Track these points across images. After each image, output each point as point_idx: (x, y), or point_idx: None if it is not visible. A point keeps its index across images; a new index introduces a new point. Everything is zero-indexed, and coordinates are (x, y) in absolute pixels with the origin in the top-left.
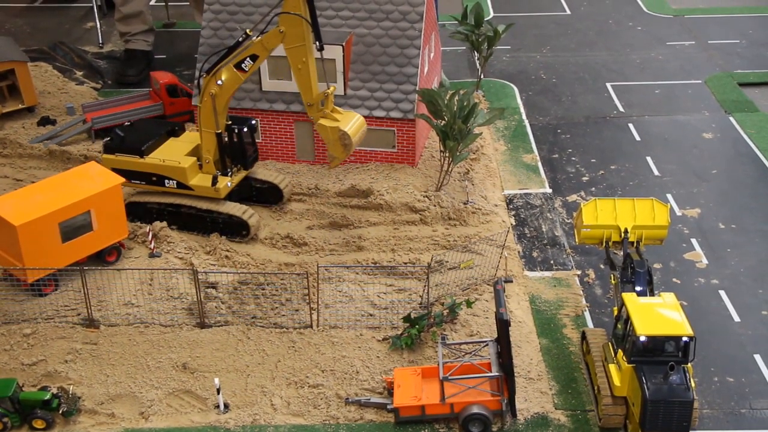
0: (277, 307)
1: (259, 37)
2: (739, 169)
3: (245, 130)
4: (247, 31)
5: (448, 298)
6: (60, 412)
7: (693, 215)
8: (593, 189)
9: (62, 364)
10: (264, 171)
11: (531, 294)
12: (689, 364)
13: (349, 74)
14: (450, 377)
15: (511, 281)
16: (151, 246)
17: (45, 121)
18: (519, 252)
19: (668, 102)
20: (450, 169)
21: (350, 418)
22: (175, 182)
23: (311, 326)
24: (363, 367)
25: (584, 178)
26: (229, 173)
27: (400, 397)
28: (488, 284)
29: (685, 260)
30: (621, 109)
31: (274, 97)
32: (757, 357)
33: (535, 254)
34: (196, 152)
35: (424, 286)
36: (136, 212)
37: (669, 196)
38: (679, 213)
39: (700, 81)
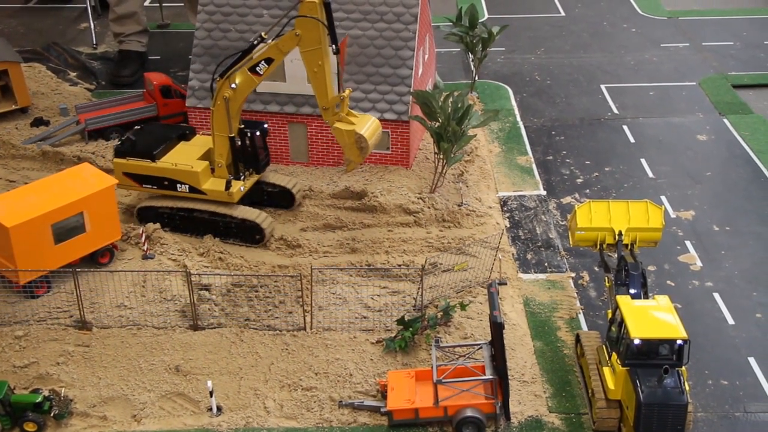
0: (270, 310)
1: (275, 41)
2: (733, 171)
3: (258, 134)
4: (262, 34)
5: (442, 301)
6: (51, 414)
7: (687, 217)
8: (587, 191)
9: (54, 367)
10: (275, 175)
11: (525, 296)
12: (683, 368)
13: (343, 76)
14: (444, 380)
15: (506, 283)
16: (145, 248)
17: (38, 122)
18: (513, 254)
19: (662, 104)
20: (444, 170)
21: (344, 421)
22: (187, 186)
23: (305, 329)
24: (356, 370)
25: (579, 180)
26: (242, 177)
27: (393, 400)
28: (482, 287)
29: (679, 262)
30: (615, 110)
31: (268, 99)
32: (752, 360)
33: (529, 256)
34: (207, 156)
35: (418, 288)
36: (148, 217)
37: (663, 198)
38: (673, 215)
39: (694, 83)
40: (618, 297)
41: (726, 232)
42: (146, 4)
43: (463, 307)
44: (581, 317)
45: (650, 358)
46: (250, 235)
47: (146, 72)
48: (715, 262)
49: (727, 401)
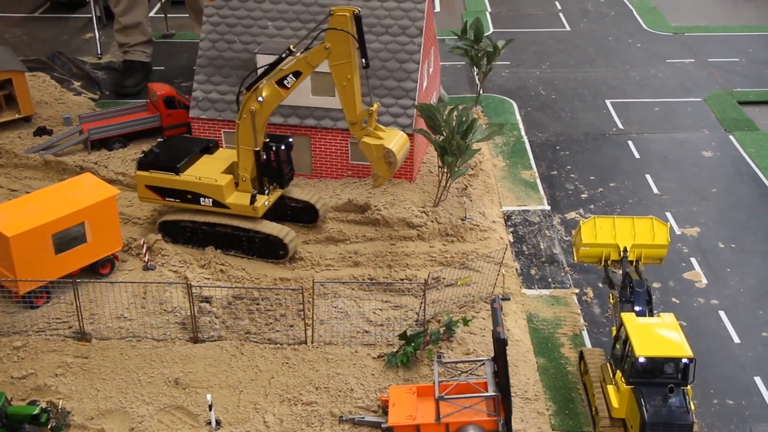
0: (271, 323)
1: (303, 54)
2: (738, 187)
3: (282, 148)
4: (291, 47)
5: (444, 316)
6: (49, 427)
7: (692, 234)
8: (592, 206)
9: (52, 378)
10: (298, 190)
11: (528, 312)
12: (689, 387)
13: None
14: (446, 396)
15: (509, 299)
16: (146, 259)
17: (41, 132)
18: (517, 269)
19: (668, 120)
20: (448, 184)
21: None
22: (210, 200)
23: (305, 342)
24: (357, 385)
25: (583, 196)
26: (266, 192)
27: (394, 415)
28: (485, 302)
29: (684, 280)
30: (620, 126)
31: None
32: (758, 379)
33: (533, 272)
34: (231, 170)
35: (421, 303)
36: (170, 231)
37: (668, 214)
38: (678, 232)
39: (699, 99)
40: (623, 314)
41: (732, 249)
42: (151, 14)
43: (465, 322)
44: (585, 334)
45: (655, 377)
46: (274, 250)
47: (150, 82)
48: (721, 280)
49: (733, 421)
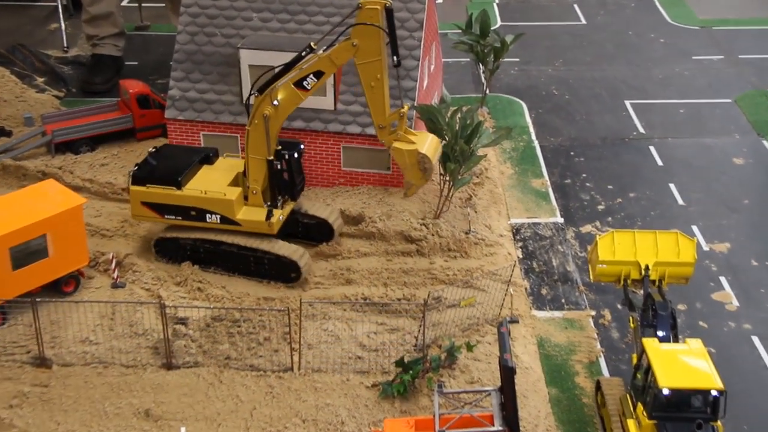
0: (254, 347)
1: (327, 51)
2: None
3: (295, 156)
4: (312, 44)
5: (446, 340)
6: None
7: (722, 250)
8: (609, 219)
9: (7, 410)
10: (309, 203)
11: (539, 336)
12: (719, 422)
13: (339, 87)
14: (447, 430)
15: (517, 322)
16: (114, 275)
17: None
18: (526, 289)
19: (694, 123)
20: (450, 194)
21: None
22: (218, 217)
23: (292, 369)
24: (349, 417)
25: (600, 207)
26: (279, 205)
27: None
28: (491, 325)
29: (713, 301)
30: (641, 130)
31: None
32: None
33: (544, 291)
34: (237, 182)
35: (420, 325)
36: (167, 249)
37: (695, 228)
38: (706, 248)
39: (729, 100)
40: (644, 340)
41: (766, 267)
42: (124, 3)
43: (469, 347)
44: (602, 361)
45: (681, 411)
46: (285, 273)
47: (122, 79)
48: (754, 302)
49: None
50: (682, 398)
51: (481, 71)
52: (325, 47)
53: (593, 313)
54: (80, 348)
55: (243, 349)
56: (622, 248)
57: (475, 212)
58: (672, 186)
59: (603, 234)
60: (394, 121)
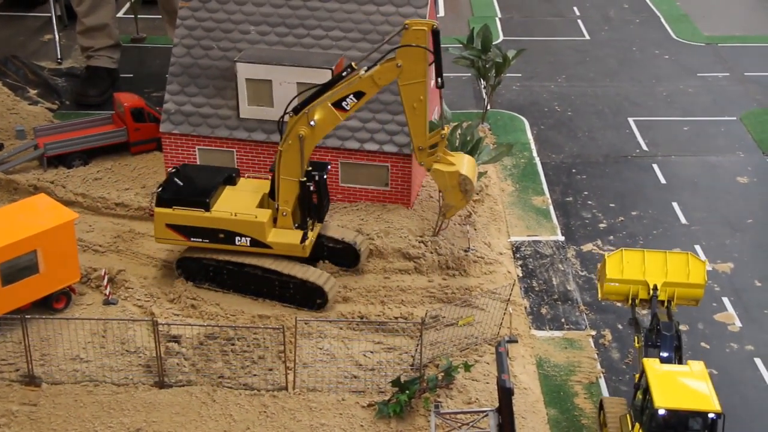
0: (247, 366)
1: (369, 72)
2: None
3: (324, 176)
4: (353, 64)
5: (443, 360)
6: None
7: (725, 270)
8: (611, 237)
9: None
10: (335, 227)
11: (538, 357)
12: None
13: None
14: None
15: (516, 341)
16: (107, 292)
17: None
18: (526, 308)
19: (698, 141)
20: None
21: None
22: (248, 239)
23: (286, 388)
24: None
25: (601, 225)
26: (309, 227)
27: None
28: (490, 344)
29: (715, 322)
30: (644, 147)
31: (253, 126)
32: None
33: (543, 311)
34: (262, 203)
35: (417, 344)
36: (190, 270)
37: (698, 247)
38: (709, 267)
39: (734, 118)
40: (645, 360)
41: None
42: (119, 15)
43: (467, 367)
44: (602, 382)
45: None
46: (310, 299)
47: (116, 92)
48: (757, 323)
49: None
50: (679, 419)
51: (483, 87)
52: (365, 67)
53: (593, 333)
54: (70, 366)
55: (237, 368)
56: (631, 267)
57: (475, 230)
58: (675, 205)
59: (612, 252)
60: (435, 143)
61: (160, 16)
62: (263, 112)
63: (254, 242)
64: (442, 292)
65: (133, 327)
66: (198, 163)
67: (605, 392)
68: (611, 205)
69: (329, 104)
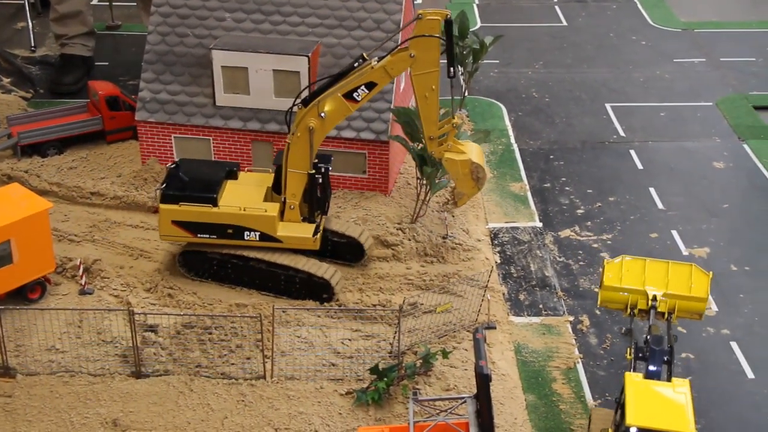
0: (225, 355)
1: (381, 62)
2: (753, 203)
3: (329, 169)
4: (364, 54)
5: (421, 347)
6: None
7: (701, 255)
8: (589, 223)
9: None
10: (338, 222)
11: (516, 342)
12: None
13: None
14: None
15: (494, 328)
16: (82, 281)
17: None
18: (504, 294)
19: (675, 126)
20: (427, 198)
21: None
22: (257, 234)
23: (264, 377)
24: (323, 426)
25: (579, 211)
26: (317, 220)
27: None
28: (468, 331)
29: None
30: (622, 133)
31: (229, 113)
32: None
33: (521, 297)
34: (268, 197)
35: (395, 332)
36: (193, 262)
37: (674, 232)
38: (685, 252)
39: (710, 103)
40: (627, 374)
41: (745, 272)
42: (94, 2)
43: (445, 354)
44: (580, 367)
45: None
46: (316, 293)
47: (91, 80)
48: (733, 307)
49: None
50: None
51: (460, 73)
52: (377, 58)
53: (571, 318)
54: (46, 357)
55: (214, 357)
56: (630, 275)
57: (453, 217)
58: (652, 190)
59: (612, 259)
60: (446, 132)
61: (135, 3)
62: (239, 99)
63: (264, 236)
64: (420, 279)
65: (110, 317)
66: (174, 151)
67: (583, 377)
68: (589, 191)
69: (340, 95)
